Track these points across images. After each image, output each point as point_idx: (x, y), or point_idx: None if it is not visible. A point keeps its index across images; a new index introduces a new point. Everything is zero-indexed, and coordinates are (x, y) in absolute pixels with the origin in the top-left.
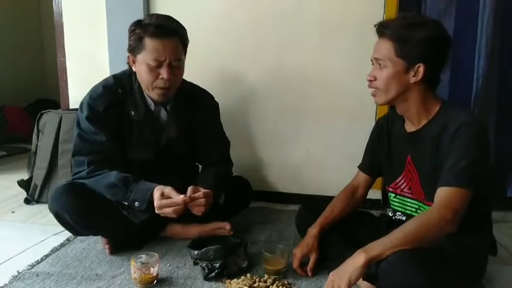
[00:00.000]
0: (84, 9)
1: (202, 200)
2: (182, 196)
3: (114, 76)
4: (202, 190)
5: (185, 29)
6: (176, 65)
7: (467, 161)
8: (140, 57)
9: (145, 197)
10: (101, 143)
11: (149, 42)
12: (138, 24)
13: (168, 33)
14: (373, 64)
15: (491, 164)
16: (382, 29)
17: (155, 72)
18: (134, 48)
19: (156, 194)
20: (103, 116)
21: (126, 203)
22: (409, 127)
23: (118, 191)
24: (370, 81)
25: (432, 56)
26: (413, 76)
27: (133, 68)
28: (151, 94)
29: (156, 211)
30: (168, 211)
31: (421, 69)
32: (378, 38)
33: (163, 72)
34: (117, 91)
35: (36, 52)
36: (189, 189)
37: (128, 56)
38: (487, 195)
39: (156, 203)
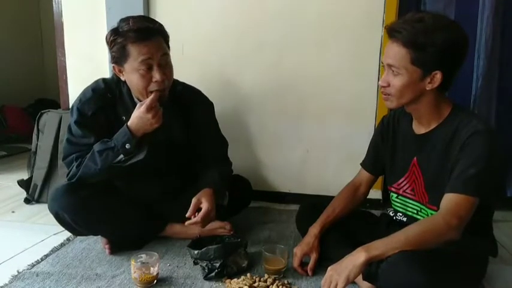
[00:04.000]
0: (84, 9)
1: (198, 219)
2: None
3: (104, 80)
4: (204, 206)
5: (162, 24)
6: (165, 63)
7: (477, 170)
8: (128, 65)
9: (126, 135)
10: (89, 144)
11: (133, 49)
12: (116, 33)
13: (149, 34)
14: (383, 66)
15: (500, 171)
16: (394, 33)
17: (147, 76)
18: (119, 59)
19: (135, 112)
20: (92, 120)
21: (121, 155)
22: (418, 128)
23: (108, 154)
24: (383, 87)
25: (450, 62)
26: (429, 83)
27: (121, 78)
28: (147, 99)
29: (148, 123)
30: (154, 114)
31: (438, 76)
32: (390, 41)
33: (156, 75)
34: (106, 95)
35: (36, 52)
36: (193, 202)
37: (113, 67)
38: (491, 201)
39: (140, 113)
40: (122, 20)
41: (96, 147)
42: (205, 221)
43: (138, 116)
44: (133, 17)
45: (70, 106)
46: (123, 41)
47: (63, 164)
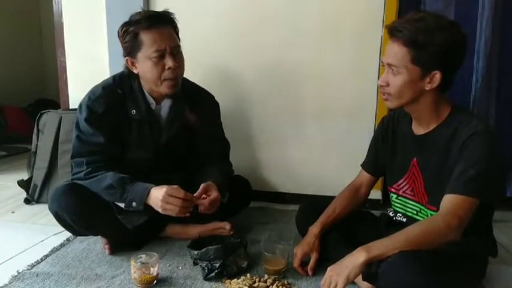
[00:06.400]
0: (84, 9)
1: (207, 201)
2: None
3: (114, 77)
4: (213, 194)
5: (174, 15)
6: (176, 52)
7: (477, 170)
8: (141, 54)
9: (142, 197)
10: (99, 144)
11: (146, 36)
12: (127, 23)
13: (161, 22)
14: (383, 66)
15: (500, 172)
16: (395, 32)
17: (160, 64)
18: (132, 49)
19: (160, 190)
20: (102, 117)
21: (124, 204)
22: (417, 129)
23: (115, 192)
24: (382, 86)
25: (449, 62)
26: (428, 83)
27: (134, 71)
28: (161, 89)
29: (160, 206)
30: (171, 207)
31: (438, 76)
32: (390, 41)
33: (168, 62)
34: (116, 92)
35: (36, 52)
36: (201, 186)
37: (126, 60)
38: (491, 202)
39: (161, 197)
40: (133, 14)
41: (111, 178)
42: (211, 206)
43: (164, 195)
44: (143, 10)
45: (70, 106)
46: (135, 29)
47: (66, 164)
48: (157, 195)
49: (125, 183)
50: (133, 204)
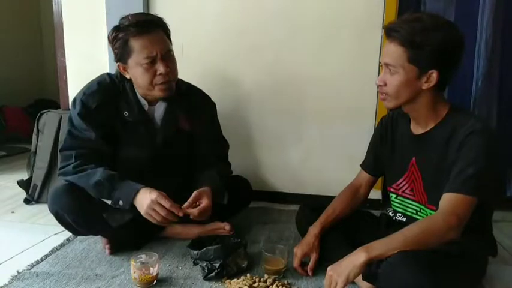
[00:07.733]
0: (84, 9)
1: (196, 211)
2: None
3: (109, 74)
4: (204, 202)
5: (163, 19)
6: (168, 57)
7: (475, 169)
8: (131, 61)
9: (129, 197)
10: (90, 140)
11: (135, 43)
12: (117, 29)
13: (150, 27)
14: (381, 66)
15: (498, 170)
16: (392, 32)
17: (151, 70)
18: (122, 55)
19: (149, 195)
20: (95, 113)
21: (111, 202)
22: (416, 129)
23: (103, 189)
24: (380, 86)
25: (446, 61)
26: (425, 82)
27: (126, 76)
28: (154, 93)
29: (144, 211)
30: (154, 215)
31: (435, 75)
32: (387, 41)
33: (160, 67)
34: (110, 89)
35: (36, 52)
36: (193, 195)
37: (118, 65)
38: (490, 201)
39: (149, 202)
40: (122, 18)
41: (100, 174)
42: (201, 215)
43: (152, 201)
44: (132, 14)
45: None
46: (124, 36)
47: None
48: (144, 200)
49: (113, 181)
50: (120, 203)
